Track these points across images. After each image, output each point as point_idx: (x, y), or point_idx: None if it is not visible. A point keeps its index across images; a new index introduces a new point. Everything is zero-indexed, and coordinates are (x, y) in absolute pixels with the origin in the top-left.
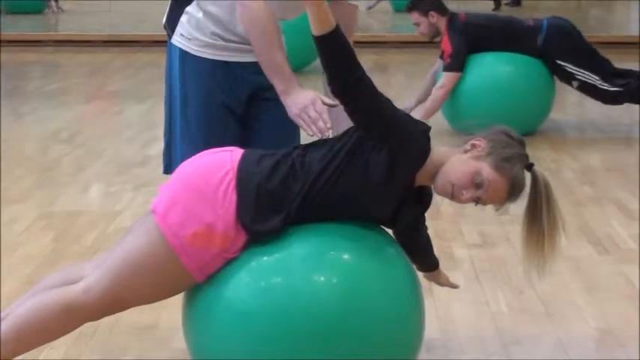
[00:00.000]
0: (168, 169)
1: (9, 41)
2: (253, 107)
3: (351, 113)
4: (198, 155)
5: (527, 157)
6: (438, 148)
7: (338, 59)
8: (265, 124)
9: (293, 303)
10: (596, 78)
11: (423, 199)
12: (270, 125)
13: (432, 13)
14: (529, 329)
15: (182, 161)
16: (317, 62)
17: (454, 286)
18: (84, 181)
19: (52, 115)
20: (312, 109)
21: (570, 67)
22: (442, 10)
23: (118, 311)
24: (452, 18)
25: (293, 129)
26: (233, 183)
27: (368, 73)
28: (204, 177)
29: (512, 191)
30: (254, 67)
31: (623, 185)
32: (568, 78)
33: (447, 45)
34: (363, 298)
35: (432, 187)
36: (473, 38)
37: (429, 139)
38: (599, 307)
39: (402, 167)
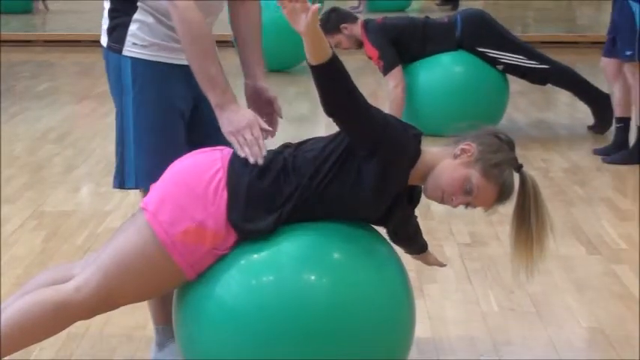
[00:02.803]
0: (123, 183)
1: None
2: (197, 116)
3: (344, 130)
4: (188, 154)
5: (516, 159)
6: (429, 149)
7: (333, 86)
8: (210, 137)
9: (284, 301)
10: (520, 57)
11: (413, 196)
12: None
13: (343, 26)
14: (520, 329)
15: (140, 172)
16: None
17: (442, 264)
18: (74, 181)
19: (41, 115)
20: (248, 132)
21: (492, 53)
22: (351, 19)
23: (109, 310)
24: (366, 23)
25: None
26: (223, 181)
27: (359, 74)
28: (195, 175)
29: (501, 196)
30: None
31: (613, 185)
32: (493, 63)
33: (370, 50)
34: (354, 298)
35: (422, 189)
36: (394, 37)
37: (419, 143)
38: (590, 306)
39: (393, 173)
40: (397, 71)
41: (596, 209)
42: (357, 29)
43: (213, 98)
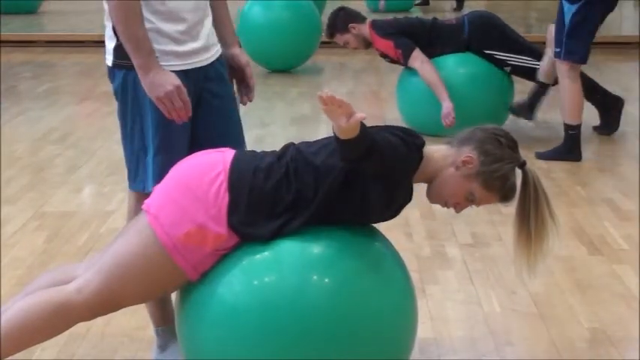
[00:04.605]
0: (145, 187)
1: (0, 41)
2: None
3: (356, 167)
4: (190, 157)
5: (518, 158)
6: (431, 152)
7: (357, 150)
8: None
9: (286, 302)
10: (528, 59)
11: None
12: (210, 126)
13: (351, 25)
14: (521, 329)
15: (161, 177)
16: (308, 63)
17: None
18: (76, 182)
19: (43, 115)
20: (176, 97)
21: (499, 55)
22: (359, 18)
23: (111, 311)
24: (373, 22)
25: (235, 129)
26: (225, 184)
27: (361, 73)
28: (197, 177)
29: (504, 199)
30: (204, 71)
31: (614, 185)
32: (500, 65)
33: (383, 44)
34: (356, 298)
35: (426, 192)
36: (402, 33)
37: (421, 152)
38: (592, 307)
39: (399, 189)
40: (417, 52)
41: (598, 210)
42: (365, 29)
43: (137, 59)
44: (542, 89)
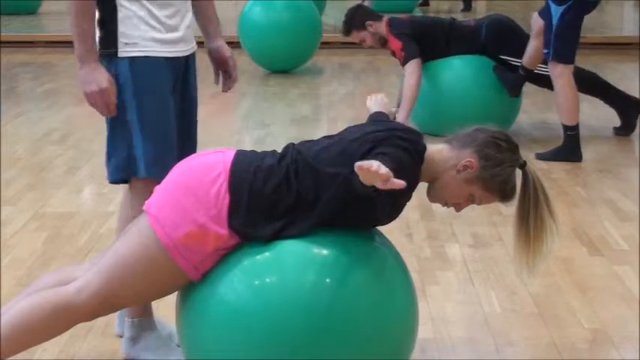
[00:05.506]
0: (135, 173)
1: (0, 42)
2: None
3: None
4: (190, 157)
5: (518, 159)
6: (432, 153)
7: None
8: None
9: (286, 302)
10: (542, 66)
11: None
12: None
13: (368, 23)
14: (522, 330)
15: (149, 161)
16: (308, 63)
17: None
18: (76, 182)
19: (43, 116)
20: (98, 99)
21: (514, 61)
22: (376, 16)
23: (112, 312)
24: (390, 20)
25: (195, 126)
26: (226, 184)
27: (362, 74)
28: (197, 178)
29: (505, 199)
30: (185, 62)
31: (615, 186)
32: (513, 71)
33: (394, 43)
34: (357, 298)
35: (426, 192)
36: (419, 34)
37: (422, 157)
38: (592, 307)
39: (403, 197)
40: (416, 62)
41: (598, 210)
42: (381, 27)
43: (78, 50)
44: (524, 74)
